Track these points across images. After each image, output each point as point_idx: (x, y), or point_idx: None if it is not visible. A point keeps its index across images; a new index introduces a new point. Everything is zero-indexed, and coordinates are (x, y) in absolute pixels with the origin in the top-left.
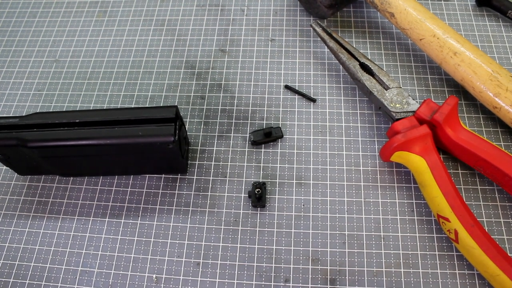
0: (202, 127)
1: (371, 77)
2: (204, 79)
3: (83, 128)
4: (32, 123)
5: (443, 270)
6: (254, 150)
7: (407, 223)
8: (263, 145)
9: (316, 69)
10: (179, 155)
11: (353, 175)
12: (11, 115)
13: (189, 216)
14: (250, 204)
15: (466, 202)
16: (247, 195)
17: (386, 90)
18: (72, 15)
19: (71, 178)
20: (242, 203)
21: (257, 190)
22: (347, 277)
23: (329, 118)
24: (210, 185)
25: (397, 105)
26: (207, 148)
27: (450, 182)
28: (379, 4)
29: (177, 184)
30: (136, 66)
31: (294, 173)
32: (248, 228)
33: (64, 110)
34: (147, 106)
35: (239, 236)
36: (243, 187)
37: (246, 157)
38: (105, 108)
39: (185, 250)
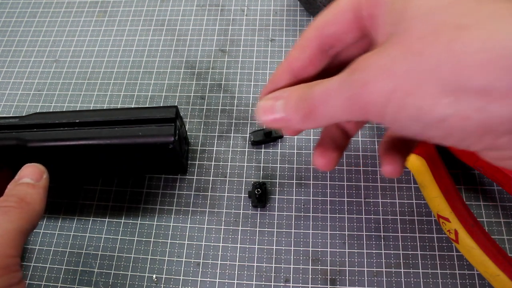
0: (202, 127)
1: None
2: (204, 79)
3: (83, 128)
4: (32, 123)
5: (443, 270)
6: (254, 150)
7: (407, 223)
8: (263, 145)
9: None
10: (179, 155)
11: (353, 175)
12: (11, 115)
13: (189, 216)
14: (250, 204)
15: (466, 202)
16: (247, 195)
17: None
18: (72, 15)
19: (71, 178)
20: (242, 203)
21: (257, 190)
22: (347, 277)
23: None
24: (210, 185)
25: None
26: (207, 148)
27: (450, 182)
28: None
29: (177, 184)
30: (136, 66)
31: (294, 173)
32: (248, 228)
33: (64, 110)
34: (147, 106)
35: (239, 236)
36: (243, 187)
37: (246, 157)
38: (105, 108)
39: (185, 250)
